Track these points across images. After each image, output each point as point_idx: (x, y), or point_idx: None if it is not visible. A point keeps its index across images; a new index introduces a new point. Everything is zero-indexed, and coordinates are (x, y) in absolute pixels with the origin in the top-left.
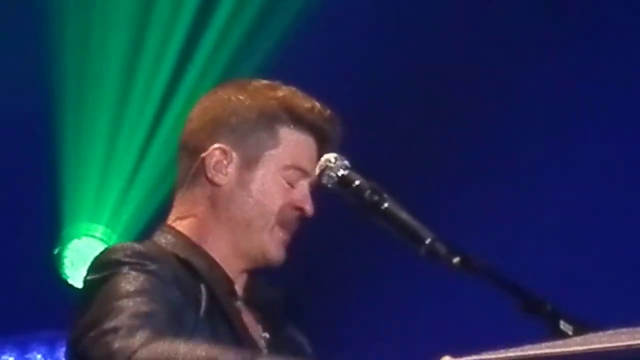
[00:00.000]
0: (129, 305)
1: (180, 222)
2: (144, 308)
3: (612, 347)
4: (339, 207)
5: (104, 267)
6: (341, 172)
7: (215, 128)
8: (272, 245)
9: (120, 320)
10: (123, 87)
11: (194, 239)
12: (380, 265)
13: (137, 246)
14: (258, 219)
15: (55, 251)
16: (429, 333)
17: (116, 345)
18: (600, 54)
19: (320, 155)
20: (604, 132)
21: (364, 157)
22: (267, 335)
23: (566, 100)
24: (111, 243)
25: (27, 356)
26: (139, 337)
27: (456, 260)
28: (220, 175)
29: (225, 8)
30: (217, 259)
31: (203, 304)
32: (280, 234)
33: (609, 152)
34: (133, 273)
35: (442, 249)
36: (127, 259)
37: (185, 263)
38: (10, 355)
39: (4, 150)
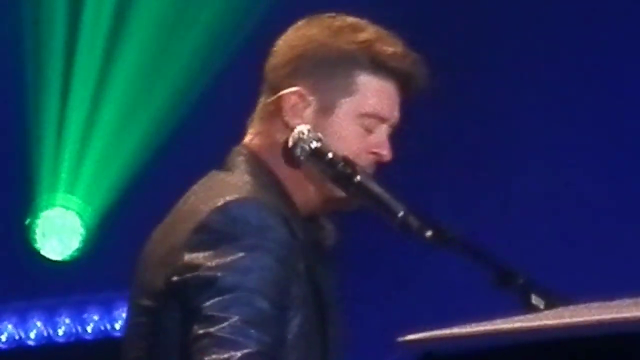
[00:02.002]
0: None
1: (265, 154)
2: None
3: (583, 321)
4: None
5: (233, 221)
6: (314, 144)
7: (295, 69)
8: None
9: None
10: (105, 58)
11: (279, 176)
12: (352, 235)
13: (267, 210)
14: None
15: (27, 221)
16: (400, 306)
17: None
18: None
19: (404, 100)
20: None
21: None
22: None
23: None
24: (85, 215)
25: None
26: None
27: (429, 233)
28: (297, 120)
29: None
30: (296, 200)
31: (301, 271)
32: None
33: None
34: (255, 251)
35: (415, 222)
36: (256, 227)
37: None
38: None
39: None
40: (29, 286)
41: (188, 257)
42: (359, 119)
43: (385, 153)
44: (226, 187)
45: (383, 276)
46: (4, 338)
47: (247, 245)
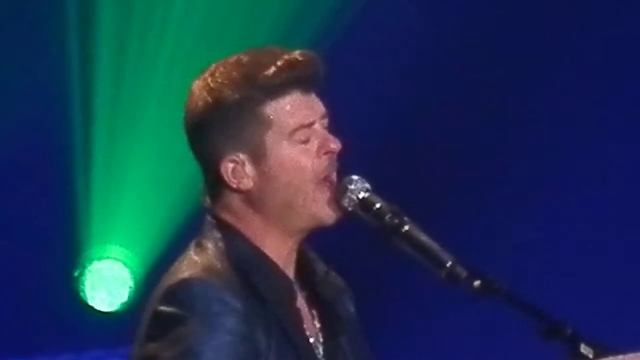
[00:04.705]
0: None
1: (233, 220)
2: None
3: None
4: (355, 227)
5: (180, 304)
6: (362, 195)
7: (210, 142)
8: (323, 211)
9: None
10: (150, 111)
11: (248, 236)
12: (396, 286)
13: (214, 287)
14: (297, 197)
15: (76, 273)
16: (448, 357)
17: None
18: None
19: (313, 91)
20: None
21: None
22: (322, 339)
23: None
24: (133, 266)
25: None
26: None
27: (477, 283)
28: (244, 181)
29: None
30: (274, 256)
31: (273, 338)
32: (324, 195)
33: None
34: (207, 330)
35: (462, 273)
36: (203, 306)
37: (249, 283)
38: None
39: (23, 171)
40: (78, 338)
41: (145, 348)
42: (290, 141)
43: (333, 146)
44: (181, 267)
45: (431, 326)
46: None
47: (197, 329)
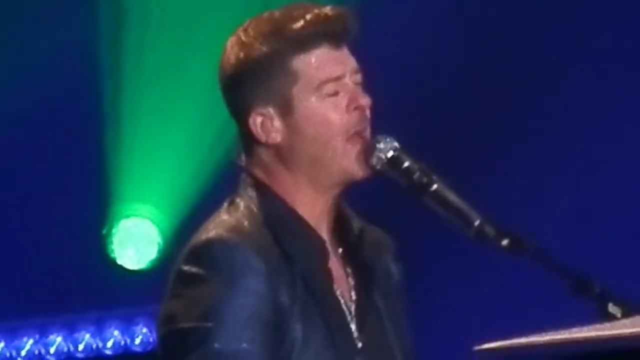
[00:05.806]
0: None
1: (265, 177)
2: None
3: None
4: (382, 189)
5: (202, 264)
6: (390, 154)
7: (239, 94)
8: (352, 163)
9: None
10: (180, 65)
11: (281, 194)
12: (427, 244)
13: (238, 247)
14: (325, 151)
15: (104, 231)
16: (477, 315)
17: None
18: None
19: (344, 46)
20: None
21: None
22: (354, 296)
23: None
24: (162, 224)
25: (74, 336)
26: None
27: (505, 241)
28: (272, 134)
29: None
30: (306, 214)
31: (297, 297)
32: (354, 148)
33: None
34: (228, 290)
35: (491, 231)
36: (226, 266)
37: (278, 242)
38: (58, 335)
39: (52, 128)
40: (105, 296)
41: (167, 306)
42: (317, 94)
43: (362, 101)
44: (208, 226)
45: (458, 284)
46: (81, 347)
47: (219, 290)
